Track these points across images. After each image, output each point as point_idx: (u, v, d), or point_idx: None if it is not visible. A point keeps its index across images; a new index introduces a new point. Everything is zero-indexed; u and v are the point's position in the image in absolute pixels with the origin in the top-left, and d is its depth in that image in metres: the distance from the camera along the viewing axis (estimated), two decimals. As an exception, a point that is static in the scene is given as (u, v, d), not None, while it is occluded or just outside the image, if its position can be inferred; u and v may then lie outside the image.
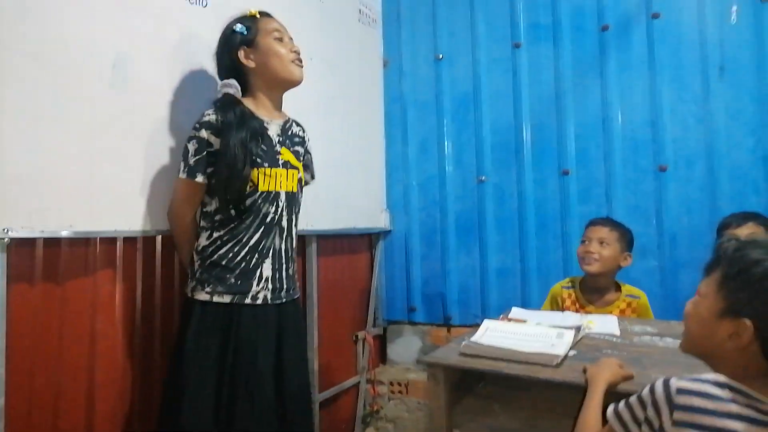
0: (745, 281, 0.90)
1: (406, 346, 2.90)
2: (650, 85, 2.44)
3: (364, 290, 2.88)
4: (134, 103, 1.55)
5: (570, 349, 1.36)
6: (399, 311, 2.94)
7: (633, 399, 0.96)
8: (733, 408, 0.86)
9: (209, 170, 1.53)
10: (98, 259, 1.51)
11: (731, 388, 0.88)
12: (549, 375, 1.21)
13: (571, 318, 1.70)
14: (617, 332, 1.60)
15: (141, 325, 1.63)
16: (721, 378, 0.90)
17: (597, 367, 1.19)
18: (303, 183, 1.77)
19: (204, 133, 1.52)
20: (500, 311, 1.89)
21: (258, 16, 1.67)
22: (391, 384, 2.78)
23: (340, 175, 2.57)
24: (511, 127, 2.71)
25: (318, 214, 2.36)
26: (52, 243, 1.39)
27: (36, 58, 1.30)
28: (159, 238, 1.68)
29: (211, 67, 1.78)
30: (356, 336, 2.77)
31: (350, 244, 2.78)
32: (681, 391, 0.89)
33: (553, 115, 2.63)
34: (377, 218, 2.92)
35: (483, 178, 2.76)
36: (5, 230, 1.21)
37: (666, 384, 0.92)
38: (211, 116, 1.54)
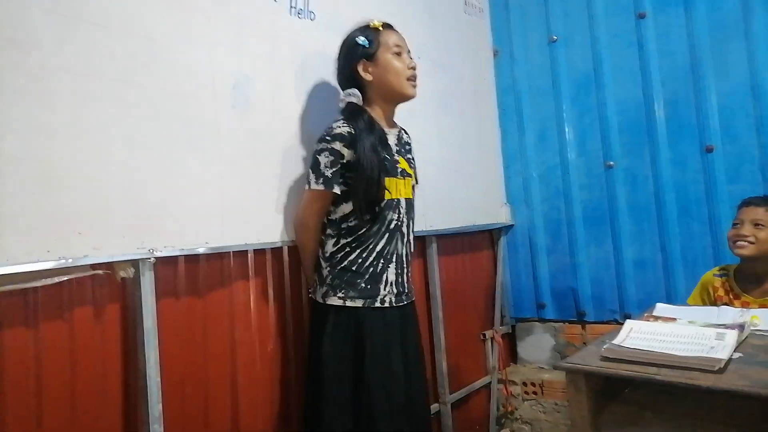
0: None
1: (537, 345, 2.77)
2: (810, 40, 2.11)
3: (489, 288, 2.80)
4: (255, 122, 1.62)
5: (734, 351, 1.20)
6: (527, 308, 2.83)
7: None
8: None
9: (341, 180, 1.57)
10: (232, 271, 1.60)
11: None
12: (711, 382, 1.07)
13: (730, 314, 1.50)
14: (790, 329, 1.39)
15: (274, 331, 1.70)
16: None
17: None
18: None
19: (337, 145, 1.56)
20: (640, 306, 1.74)
21: (381, 28, 1.68)
22: (525, 384, 2.67)
23: (456, 173, 2.51)
24: (641, 106, 2.49)
25: (436, 213, 2.33)
26: (191, 260, 1.49)
27: (165, 89, 1.39)
28: (285, 248, 1.74)
29: (324, 79, 1.82)
30: (484, 335, 2.69)
31: (471, 242, 2.71)
32: None
33: (690, 87, 2.37)
34: (497, 213, 2.82)
35: (611, 163, 2.56)
36: (151, 251, 1.31)
37: None
38: (342, 128, 1.58)
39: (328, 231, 1.64)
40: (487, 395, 2.69)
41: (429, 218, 2.27)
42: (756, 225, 1.76)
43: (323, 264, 1.63)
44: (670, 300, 2.23)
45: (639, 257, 2.50)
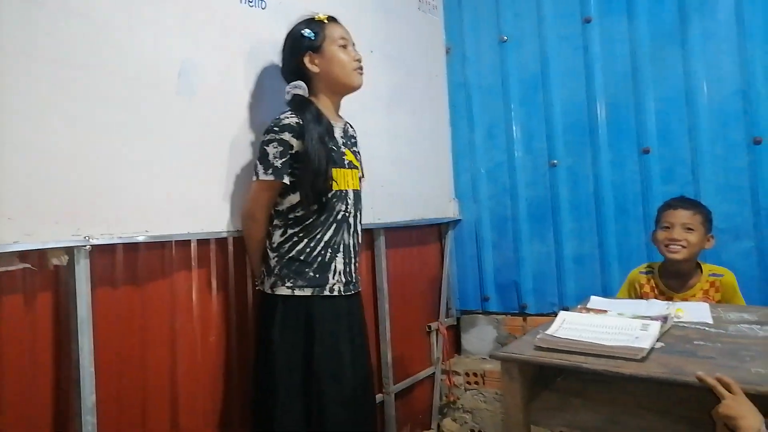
0: None
1: (480, 336, 2.84)
2: (739, 51, 2.24)
3: (436, 281, 2.85)
4: (201, 109, 1.59)
5: (657, 341, 1.27)
6: (472, 301, 2.89)
7: None
8: None
9: (290, 170, 1.57)
10: (174, 261, 1.57)
11: None
12: (634, 370, 1.13)
13: (657, 306, 1.59)
14: (710, 320, 1.48)
15: (217, 321, 1.69)
16: None
17: (739, 411, 0.98)
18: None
19: (286, 136, 1.56)
20: (579, 299, 1.81)
21: (326, 21, 1.69)
22: (467, 374, 2.74)
23: (406, 167, 2.54)
24: (584, 107, 2.57)
25: (385, 206, 2.35)
26: (131, 248, 1.46)
27: (105, 71, 1.35)
28: (230, 239, 1.72)
29: (275, 68, 1.81)
30: (429, 327, 2.74)
31: (419, 236, 2.75)
32: None
33: (630, 91, 2.47)
34: (446, 208, 2.87)
35: (555, 162, 2.64)
36: (86, 238, 1.27)
37: None
38: (291, 119, 1.58)
39: (276, 221, 1.64)
40: (430, 385, 2.75)
41: (377, 211, 2.29)
42: (687, 229, 1.84)
43: (271, 254, 1.63)
44: (606, 293, 2.33)
45: (578, 253, 2.59)
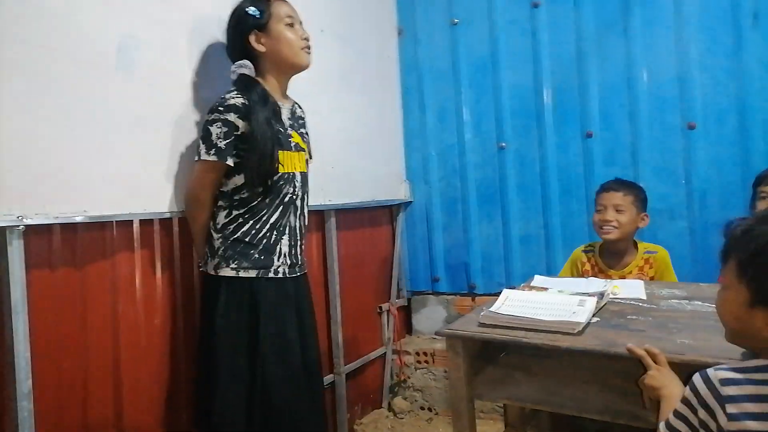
0: (763, 265, 0.84)
1: (430, 317, 2.90)
2: (676, 40, 2.33)
3: (387, 262, 2.88)
4: (143, 86, 1.54)
5: (593, 316, 1.33)
6: (423, 282, 2.94)
7: (680, 406, 0.90)
8: None
9: (234, 152, 1.54)
10: (116, 242, 1.53)
11: None
12: (569, 343, 1.19)
13: (596, 284, 1.65)
14: (643, 296, 1.56)
15: (162, 304, 1.65)
16: (763, 361, 0.85)
17: (662, 381, 1.04)
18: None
19: (231, 116, 1.53)
20: (525, 278, 1.86)
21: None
22: (417, 354, 2.79)
23: (357, 148, 2.54)
24: (531, 91, 2.63)
25: (336, 188, 2.34)
26: (68, 229, 1.40)
27: (38, 44, 1.29)
28: (175, 219, 1.68)
29: (220, 45, 1.76)
30: (380, 308, 2.77)
31: (371, 217, 2.76)
32: (726, 382, 0.84)
33: (575, 76, 2.54)
34: (397, 190, 2.89)
35: (503, 144, 2.70)
36: (20, 218, 1.22)
37: (707, 379, 0.86)
38: (236, 99, 1.54)
39: (220, 203, 1.61)
40: (381, 365, 2.79)
41: (328, 192, 2.28)
42: (617, 210, 1.93)
43: (215, 236, 1.60)
44: (550, 272, 2.42)
45: (525, 233, 2.67)
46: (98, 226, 1.48)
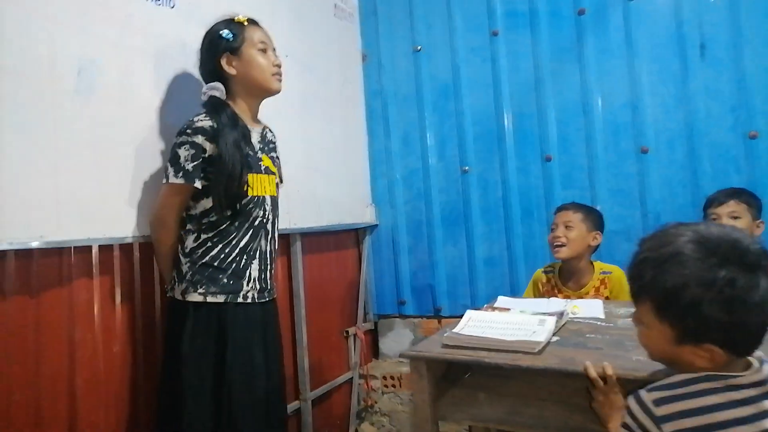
0: (682, 311, 0.84)
1: (397, 340, 2.90)
2: (629, 68, 2.43)
3: (353, 286, 2.87)
4: (102, 110, 1.53)
5: (553, 335, 1.36)
6: (389, 305, 2.94)
7: (620, 429, 0.93)
8: (715, 399, 0.84)
9: (202, 174, 1.54)
10: (74, 268, 1.49)
11: (706, 379, 0.86)
12: (530, 362, 1.21)
13: (556, 304, 1.69)
14: (602, 315, 1.60)
15: (122, 332, 1.62)
16: (690, 375, 0.88)
17: (605, 408, 1.09)
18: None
19: (199, 139, 1.52)
20: (489, 300, 1.88)
21: (246, 23, 1.66)
22: (384, 378, 2.78)
23: (323, 173, 2.55)
24: (492, 116, 2.70)
25: (301, 212, 2.35)
26: (23, 255, 1.37)
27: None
28: (136, 244, 1.66)
29: (185, 70, 1.76)
30: (347, 332, 2.76)
31: (336, 241, 2.77)
32: (658, 402, 0.86)
33: (534, 101, 2.62)
34: (363, 213, 2.91)
35: (467, 168, 2.75)
36: (-28, 243, 1.19)
37: (640, 400, 0.88)
38: (204, 121, 1.54)
39: (189, 226, 1.59)
40: (348, 390, 2.76)
41: (294, 216, 2.28)
42: (567, 227, 2.00)
43: (183, 260, 1.58)
44: (514, 293, 2.45)
45: (488, 255, 2.71)
46: (55, 252, 1.44)
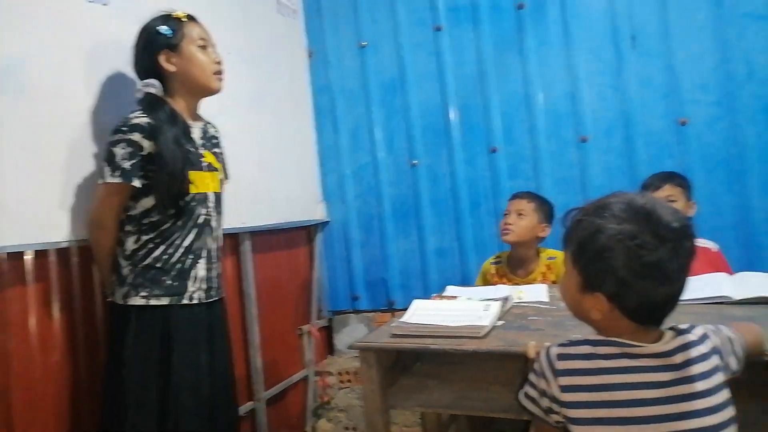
0: (588, 256, 0.90)
1: (352, 335, 2.90)
2: (567, 59, 2.51)
3: (306, 284, 2.86)
4: (32, 110, 1.47)
5: (498, 320, 1.39)
6: (343, 301, 2.94)
7: (531, 376, 0.99)
8: (609, 363, 0.89)
9: (141, 173, 1.49)
10: (5, 276, 1.43)
11: (604, 344, 0.91)
12: (475, 346, 1.23)
13: (503, 290, 1.73)
14: (546, 299, 1.65)
15: (60, 341, 1.56)
16: (595, 336, 0.94)
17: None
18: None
19: (136, 136, 1.47)
20: (441, 290, 1.91)
21: (185, 20, 1.62)
22: (340, 374, 2.78)
23: (271, 170, 2.53)
24: (439, 110, 2.74)
25: (250, 210, 2.32)
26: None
27: None
28: (73, 249, 1.60)
29: (119, 69, 1.71)
30: (300, 330, 2.74)
31: (287, 239, 2.74)
32: (560, 357, 0.93)
33: (478, 94, 2.67)
34: (314, 210, 2.89)
35: (415, 161, 2.78)
36: None
37: (547, 353, 0.95)
38: (141, 118, 1.50)
39: (128, 228, 1.54)
40: (303, 388, 2.75)
41: (242, 215, 2.25)
42: (519, 214, 2.06)
43: (123, 263, 1.53)
44: (465, 283, 2.49)
45: (439, 246, 2.75)
46: (-17, 260, 1.38)
